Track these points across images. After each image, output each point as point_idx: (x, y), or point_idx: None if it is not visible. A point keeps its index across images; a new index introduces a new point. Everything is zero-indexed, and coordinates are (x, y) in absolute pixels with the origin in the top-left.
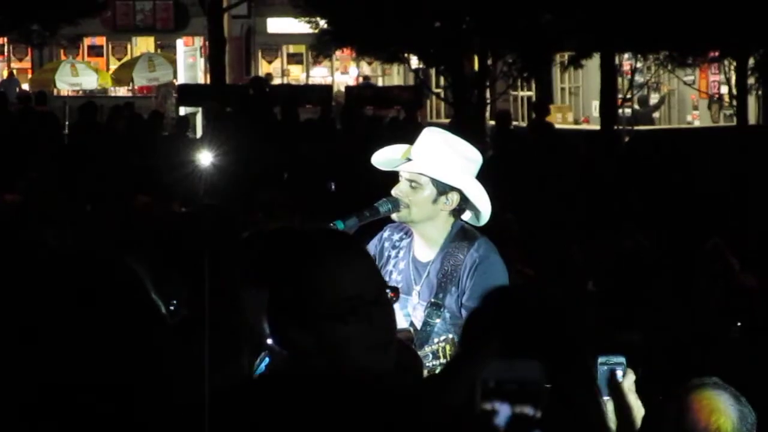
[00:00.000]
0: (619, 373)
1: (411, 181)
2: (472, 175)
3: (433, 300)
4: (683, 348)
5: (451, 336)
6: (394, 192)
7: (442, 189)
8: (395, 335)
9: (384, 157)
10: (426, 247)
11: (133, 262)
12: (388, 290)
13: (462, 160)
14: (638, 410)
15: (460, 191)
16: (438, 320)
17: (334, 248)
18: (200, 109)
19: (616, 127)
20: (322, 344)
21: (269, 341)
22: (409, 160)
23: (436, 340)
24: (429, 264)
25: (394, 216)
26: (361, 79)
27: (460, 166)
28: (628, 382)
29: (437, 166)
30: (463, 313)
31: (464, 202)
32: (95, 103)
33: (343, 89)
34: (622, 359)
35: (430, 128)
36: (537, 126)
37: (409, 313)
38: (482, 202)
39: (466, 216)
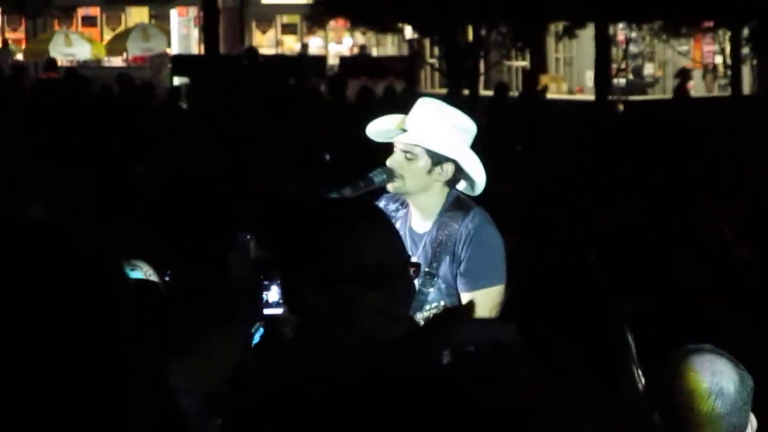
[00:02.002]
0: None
1: (406, 152)
2: (467, 145)
3: (427, 269)
4: (675, 318)
5: (443, 303)
6: (388, 163)
7: (437, 160)
8: (410, 309)
9: (378, 128)
10: (421, 217)
11: (104, 234)
12: (411, 266)
13: (457, 131)
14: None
15: (455, 162)
16: (432, 289)
17: (363, 217)
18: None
19: (610, 97)
20: (337, 309)
21: (266, 312)
22: (404, 130)
23: (427, 307)
24: (425, 235)
25: (388, 187)
26: (356, 49)
27: (456, 137)
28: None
29: (432, 137)
30: (459, 282)
31: (459, 173)
32: (82, 74)
33: (337, 60)
34: None
35: (424, 98)
36: (527, 97)
37: None
38: (477, 172)
39: (461, 186)
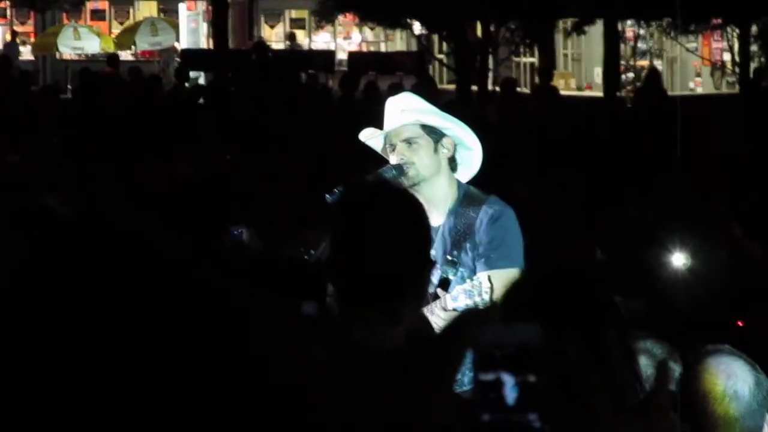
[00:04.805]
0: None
1: (407, 140)
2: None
3: (448, 258)
4: (685, 316)
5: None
6: (394, 161)
7: (436, 137)
8: None
9: (367, 136)
10: (434, 211)
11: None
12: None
13: (429, 106)
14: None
15: (450, 136)
16: (453, 278)
17: None
18: (202, 74)
19: (618, 94)
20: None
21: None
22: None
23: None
24: (439, 227)
25: (401, 181)
26: (364, 45)
27: (436, 110)
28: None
29: (425, 114)
30: (477, 265)
31: (455, 147)
32: (90, 69)
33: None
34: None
35: (389, 98)
36: (541, 91)
37: None
38: (472, 139)
39: (461, 165)
